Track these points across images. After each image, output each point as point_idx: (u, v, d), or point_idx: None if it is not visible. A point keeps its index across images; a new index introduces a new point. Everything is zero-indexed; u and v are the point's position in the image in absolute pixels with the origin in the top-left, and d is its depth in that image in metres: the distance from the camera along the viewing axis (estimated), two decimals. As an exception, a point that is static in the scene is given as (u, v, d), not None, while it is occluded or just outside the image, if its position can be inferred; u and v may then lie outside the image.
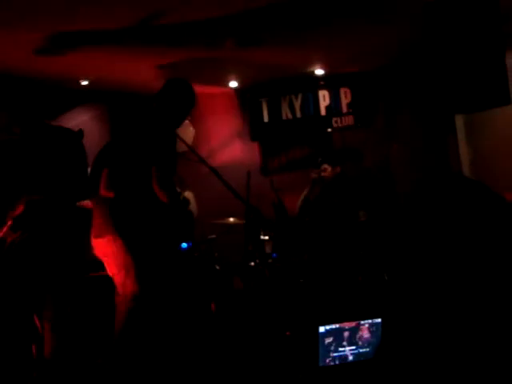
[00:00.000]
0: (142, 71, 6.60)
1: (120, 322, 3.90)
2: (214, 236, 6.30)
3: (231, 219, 6.37)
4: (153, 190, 3.88)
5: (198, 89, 4.40)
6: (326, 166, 6.79)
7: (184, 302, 5.28)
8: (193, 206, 7.24)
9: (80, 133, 4.01)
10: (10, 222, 3.60)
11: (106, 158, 4.08)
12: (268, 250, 6.20)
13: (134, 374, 3.90)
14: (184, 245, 5.96)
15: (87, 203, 5.04)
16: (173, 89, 4.26)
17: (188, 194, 7.29)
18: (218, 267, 5.97)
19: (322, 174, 6.78)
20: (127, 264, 3.87)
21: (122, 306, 3.91)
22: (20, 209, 3.59)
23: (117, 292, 3.97)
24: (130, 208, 3.91)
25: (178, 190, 4.68)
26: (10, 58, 5.65)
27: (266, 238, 6.23)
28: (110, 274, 4.00)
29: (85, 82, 6.96)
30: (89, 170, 4.16)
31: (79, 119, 7.29)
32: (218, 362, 4.54)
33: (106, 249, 3.94)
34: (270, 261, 6.02)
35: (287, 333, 4.94)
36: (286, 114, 7.91)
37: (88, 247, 4.05)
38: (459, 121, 7.29)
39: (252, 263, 5.98)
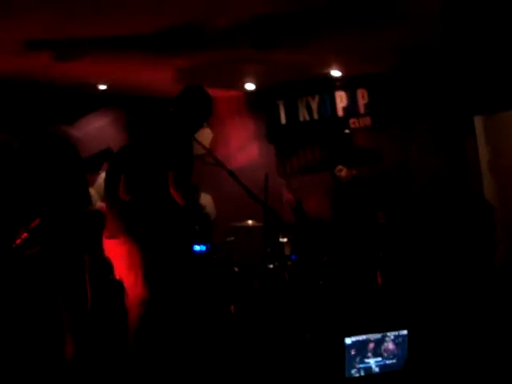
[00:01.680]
0: (158, 75, 6.64)
1: (131, 325, 3.91)
2: (232, 238, 6.30)
3: (249, 221, 6.37)
4: (168, 194, 3.90)
5: (216, 92, 4.41)
6: (340, 166, 6.79)
7: (203, 304, 5.30)
8: (210, 209, 7.26)
9: (107, 151, 4.02)
10: (25, 235, 3.62)
11: (123, 162, 4.10)
12: (287, 252, 6.19)
13: (150, 376, 3.90)
14: (202, 247, 5.97)
15: (101, 206, 5.08)
16: (190, 96, 4.27)
17: (205, 197, 7.31)
18: (236, 269, 5.97)
19: (337, 174, 6.78)
20: (137, 267, 3.87)
21: (132, 309, 3.93)
22: (36, 222, 3.60)
23: (127, 294, 3.98)
24: (145, 211, 3.93)
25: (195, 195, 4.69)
26: (31, 63, 5.70)
27: (285, 240, 6.22)
28: (119, 275, 4.01)
29: (103, 87, 7.00)
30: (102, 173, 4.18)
31: (97, 124, 7.35)
32: (237, 365, 4.54)
33: (116, 250, 3.96)
34: (289, 263, 6.01)
35: (307, 335, 4.94)
36: (303, 115, 7.91)
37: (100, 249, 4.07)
38: (478, 123, 7.23)
39: (271, 265, 5.98)
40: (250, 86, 7.68)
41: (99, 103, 7.39)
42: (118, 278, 4.04)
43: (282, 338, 4.99)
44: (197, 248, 5.95)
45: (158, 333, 3.94)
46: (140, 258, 3.87)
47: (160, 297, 3.91)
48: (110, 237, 3.98)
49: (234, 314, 5.52)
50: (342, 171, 6.79)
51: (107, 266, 4.12)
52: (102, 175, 4.43)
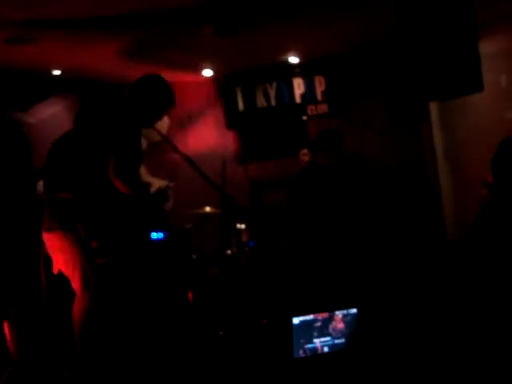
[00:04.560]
0: (109, 58, 6.53)
1: (75, 319, 3.85)
2: (190, 226, 6.27)
3: (207, 208, 6.35)
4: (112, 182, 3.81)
5: (173, 76, 4.35)
6: (305, 150, 6.82)
7: (160, 292, 5.27)
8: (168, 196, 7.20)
9: None
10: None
11: (63, 150, 3.97)
12: (244, 238, 6.20)
13: (109, 367, 3.87)
14: (160, 235, 5.93)
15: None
16: (149, 85, 4.17)
17: (161, 183, 7.24)
18: (194, 257, 5.95)
19: (302, 157, 6.81)
20: (74, 260, 3.79)
21: (75, 305, 3.87)
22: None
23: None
24: (87, 202, 3.83)
25: (149, 180, 4.60)
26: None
27: (243, 226, 6.22)
28: (57, 269, 3.92)
29: (57, 72, 6.87)
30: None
31: (53, 109, 7.22)
32: (195, 351, 4.53)
33: (54, 244, 3.87)
34: (246, 249, 6.02)
35: (264, 321, 4.96)
36: (261, 102, 7.91)
37: None
38: (433, 108, 7.34)
39: (229, 252, 5.98)
40: (207, 73, 7.63)
41: (54, 89, 7.26)
42: (56, 272, 3.94)
43: (239, 324, 5.00)
44: (154, 235, 5.90)
45: (108, 324, 3.89)
46: (79, 252, 3.79)
47: (108, 289, 3.85)
48: (47, 230, 3.87)
49: (192, 301, 5.51)
50: (307, 155, 6.82)
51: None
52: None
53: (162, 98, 4.18)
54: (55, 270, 3.92)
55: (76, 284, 3.80)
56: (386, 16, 5.18)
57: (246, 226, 6.22)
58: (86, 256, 3.79)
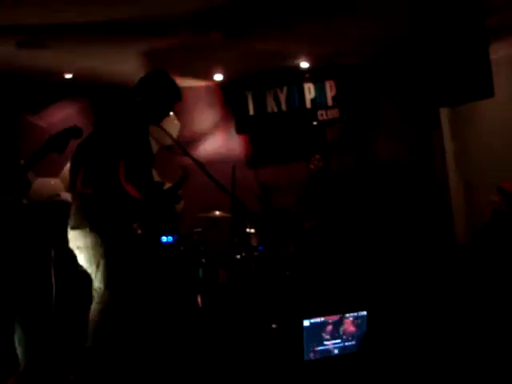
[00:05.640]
0: (124, 64, 6.57)
1: (91, 319, 3.86)
2: (199, 229, 6.28)
3: (217, 212, 6.36)
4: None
5: (184, 82, 4.36)
6: (318, 156, 6.82)
7: (169, 295, 5.28)
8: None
9: (74, 129, 3.92)
10: None
11: (84, 153, 4.03)
12: (254, 243, 6.20)
13: (117, 370, 3.87)
14: (170, 238, 5.95)
15: (66, 196, 4.99)
16: (154, 81, 4.18)
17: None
18: (204, 261, 5.97)
19: (316, 163, 6.79)
20: (98, 258, 3.83)
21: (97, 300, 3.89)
22: None
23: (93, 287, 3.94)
24: (106, 203, 3.87)
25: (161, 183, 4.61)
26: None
27: (252, 231, 6.23)
28: (81, 267, 3.96)
29: (69, 76, 6.91)
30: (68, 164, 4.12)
31: (64, 113, 7.26)
32: (205, 356, 4.54)
33: (79, 241, 3.91)
34: (256, 254, 6.02)
35: (274, 326, 4.96)
36: (271, 107, 7.91)
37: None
38: (444, 115, 7.34)
39: (238, 256, 5.98)
40: (218, 77, 7.65)
41: (66, 92, 7.30)
42: (80, 269, 3.98)
43: (249, 329, 5.00)
44: (164, 239, 5.93)
45: (121, 326, 3.90)
46: (102, 251, 3.83)
47: (123, 290, 3.87)
48: (74, 228, 3.93)
49: (201, 305, 5.52)
50: (320, 162, 6.81)
51: (72, 257, 4.07)
52: (67, 166, 4.35)
53: (167, 92, 4.18)
54: (79, 268, 3.96)
55: (98, 283, 3.83)
56: (397, 23, 5.18)
57: (256, 231, 6.23)
58: (111, 254, 3.82)
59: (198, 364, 4.39)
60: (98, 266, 3.82)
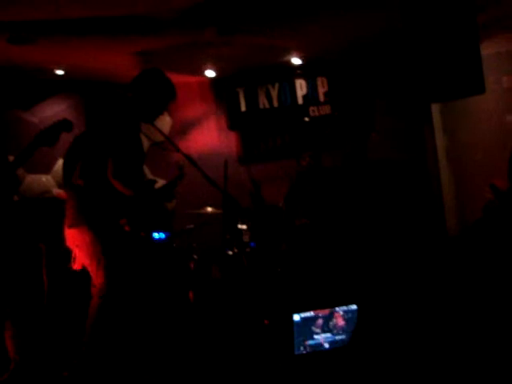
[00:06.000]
0: (116, 60, 6.55)
1: (92, 313, 3.86)
2: (191, 226, 6.29)
3: (209, 209, 6.37)
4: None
5: (175, 78, 4.35)
6: (309, 152, 6.82)
7: (161, 292, 5.28)
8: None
9: (65, 122, 3.90)
10: None
11: (79, 149, 4.02)
12: (246, 239, 6.21)
13: (112, 365, 3.87)
14: (162, 235, 5.94)
15: (58, 193, 4.98)
16: (148, 79, 4.17)
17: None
18: (196, 257, 5.97)
19: (308, 159, 6.78)
20: (98, 255, 3.83)
21: (95, 298, 3.89)
22: None
23: (92, 283, 3.93)
24: (99, 200, 3.86)
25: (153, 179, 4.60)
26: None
27: (244, 227, 6.23)
28: (81, 265, 3.95)
29: (60, 72, 6.89)
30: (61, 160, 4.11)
31: (56, 109, 7.24)
32: (197, 351, 4.55)
33: (78, 239, 3.90)
34: (247, 250, 6.03)
35: (266, 321, 4.97)
36: (263, 103, 7.91)
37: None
38: (436, 111, 7.36)
39: (230, 252, 5.99)
40: (209, 73, 7.64)
41: (57, 89, 7.28)
42: (80, 267, 3.98)
43: (241, 324, 5.01)
44: (156, 236, 5.92)
45: (117, 323, 3.90)
46: (101, 246, 3.83)
47: (120, 287, 3.87)
48: (71, 226, 3.92)
49: (193, 301, 5.52)
50: (312, 157, 6.81)
51: (65, 255, 4.06)
52: (59, 163, 4.36)
53: (162, 91, 4.17)
54: (78, 266, 3.95)
55: (100, 279, 3.82)
56: (389, 18, 5.20)
57: (248, 227, 6.23)
58: (110, 250, 3.82)
59: (191, 359, 4.39)
60: (98, 263, 3.82)
